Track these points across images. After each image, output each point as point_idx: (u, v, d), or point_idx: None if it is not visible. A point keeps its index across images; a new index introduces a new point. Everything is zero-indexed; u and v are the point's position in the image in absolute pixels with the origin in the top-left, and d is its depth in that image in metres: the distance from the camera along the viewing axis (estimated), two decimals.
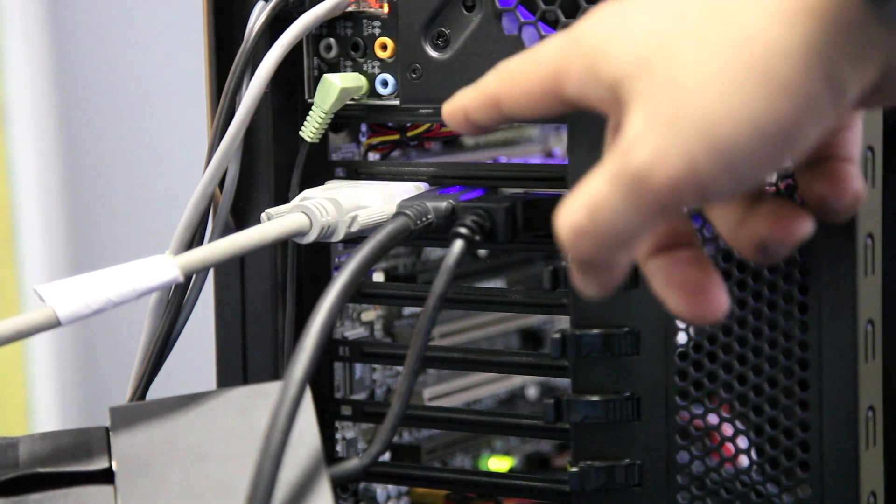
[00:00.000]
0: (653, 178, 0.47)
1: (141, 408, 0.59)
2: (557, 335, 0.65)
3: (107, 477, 0.59)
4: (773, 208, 0.52)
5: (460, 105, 0.57)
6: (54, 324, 0.58)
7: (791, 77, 0.46)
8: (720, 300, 0.52)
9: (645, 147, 0.47)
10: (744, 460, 0.62)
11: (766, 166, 0.47)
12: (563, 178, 0.64)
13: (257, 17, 0.68)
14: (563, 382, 0.71)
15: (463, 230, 0.63)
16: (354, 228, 0.65)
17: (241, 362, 0.72)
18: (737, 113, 0.46)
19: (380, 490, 0.76)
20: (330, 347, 0.72)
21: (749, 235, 0.53)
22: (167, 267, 0.60)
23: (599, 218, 0.48)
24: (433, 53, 0.67)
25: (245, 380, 0.71)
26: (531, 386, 0.87)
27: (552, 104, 0.53)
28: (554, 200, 0.62)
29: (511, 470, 0.84)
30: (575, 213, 0.49)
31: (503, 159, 0.81)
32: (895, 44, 0.47)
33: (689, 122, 0.46)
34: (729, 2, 0.47)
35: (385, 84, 0.69)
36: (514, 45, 0.65)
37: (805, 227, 0.52)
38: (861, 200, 0.53)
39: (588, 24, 0.51)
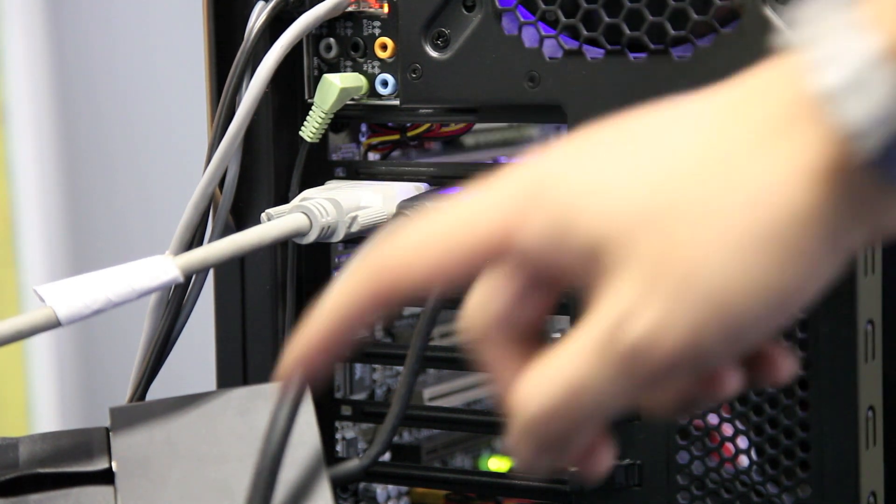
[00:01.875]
0: (653, 351, 0.43)
1: (141, 408, 0.59)
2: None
3: (107, 477, 0.59)
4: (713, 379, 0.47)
5: (309, 339, 0.47)
6: (54, 324, 0.58)
7: (803, 244, 0.43)
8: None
9: (644, 317, 0.43)
10: (744, 460, 0.62)
11: (767, 332, 0.45)
12: None
13: (257, 17, 0.68)
14: None
15: None
16: (354, 229, 0.65)
17: (241, 362, 0.72)
18: (751, 281, 0.43)
19: (380, 490, 0.76)
20: None
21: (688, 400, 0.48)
22: (167, 267, 0.60)
23: (580, 396, 0.44)
24: (433, 53, 0.67)
25: (245, 380, 0.71)
26: None
27: (481, 269, 0.46)
28: None
29: (511, 470, 0.84)
30: (547, 391, 0.44)
31: (503, 159, 0.81)
32: (890, 206, 0.44)
33: (698, 290, 0.43)
34: (734, 163, 0.44)
35: (385, 84, 0.69)
36: (514, 45, 0.65)
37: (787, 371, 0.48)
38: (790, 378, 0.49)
39: (546, 174, 0.45)
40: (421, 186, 0.69)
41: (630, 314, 0.43)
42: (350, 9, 0.69)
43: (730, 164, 0.44)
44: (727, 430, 0.63)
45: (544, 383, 0.44)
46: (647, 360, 0.43)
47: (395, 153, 0.76)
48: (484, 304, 0.46)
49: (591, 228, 0.44)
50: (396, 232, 0.46)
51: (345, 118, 0.70)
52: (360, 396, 0.75)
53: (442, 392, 0.79)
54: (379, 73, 0.69)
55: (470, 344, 0.46)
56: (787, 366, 0.48)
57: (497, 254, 0.45)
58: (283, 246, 0.70)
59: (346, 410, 0.73)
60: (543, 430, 0.45)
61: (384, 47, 0.69)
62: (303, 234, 0.65)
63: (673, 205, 0.44)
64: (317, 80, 0.69)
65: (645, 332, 0.43)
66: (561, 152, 0.46)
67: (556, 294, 0.47)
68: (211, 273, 0.70)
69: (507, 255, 0.45)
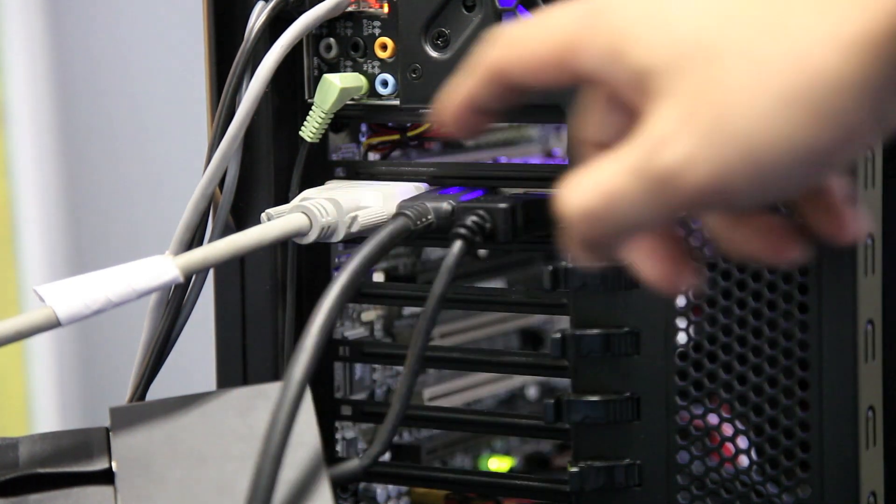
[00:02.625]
0: (681, 181, 0.46)
1: (141, 408, 0.59)
2: (557, 335, 0.65)
3: (107, 477, 0.59)
4: (770, 227, 0.51)
5: (463, 93, 0.53)
6: (54, 324, 0.58)
7: (841, 110, 0.45)
8: (692, 273, 0.51)
9: (677, 148, 0.46)
10: (744, 460, 0.62)
11: (796, 186, 0.47)
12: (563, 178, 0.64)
13: (257, 17, 0.68)
14: (563, 382, 0.71)
15: (463, 231, 0.63)
16: (354, 229, 0.65)
17: (241, 362, 0.72)
18: (780, 135, 0.45)
19: (380, 490, 0.76)
20: (330, 347, 0.72)
21: (738, 245, 0.51)
22: (167, 267, 0.60)
23: (614, 207, 0.48)
24: (433, 53, 0.67)
25: (245, 380, 0.71)
26: (531, 386, 0.87)
27: (561, 75, 0.51)
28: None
29: (511, 470, 0.84)
30: (586, 196, 0.48)
31: (503, 159, 0.81)
32: None
33: (729, 133, 0.45)
34: (784, 18, 0.46)
35: (385, 84, 0.69)
36: None
37: (797, 254, 0.51)
38: (860, 239, 0.52)
39: (611, 1, 0.49)
40: (421, 186, 0.69)
41: (665, 142, 0.46)
42: (350, 9, 0.69)
43: (781, 15, 0.46)
44: (727, 430, 0.63)
45: (585, 190, 0.48)
46: (675, 187, 0.46)
47: (395, 153, 0.76)
48: (581, 121, 0.52)
49: (640, 55, 0.47)
50: (498, 33, 0.52)
51: (345, 118, 0.70)
52: (360, 396, 0.75)
53: (442, 392, 0.79)
54: (379, 73, 0.69)
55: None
56: (854, 226, 0.50)
57: (565, 67, 0.50)
58: (283, 246, 0.70)
59: (346, 410, 0.73)
60: (583, 231, 0.48)
61: (384, 47, 0.69)
62: (303, 234, 0.65)
63: (718, 43, 0.46)
64: (317, 80, 0.69)
65: (674, 161, 0.46)
66: None
67: (628, 115, 0.50)
68: (211, 273, 0.70)
69: (574, 71, 0.50)
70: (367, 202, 0.67)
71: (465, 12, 0.66)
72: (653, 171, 0.47)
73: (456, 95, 0.53)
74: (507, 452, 0.85)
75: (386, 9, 0.69)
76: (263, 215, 0.66)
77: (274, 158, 0.70)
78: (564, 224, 0.49)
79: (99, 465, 0.59)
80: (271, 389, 0.58)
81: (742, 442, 0.62)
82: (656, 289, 0.51)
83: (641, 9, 0.48)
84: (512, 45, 0.52)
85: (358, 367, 0.75)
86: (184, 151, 1.31)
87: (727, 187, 0.46)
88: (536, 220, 0.65)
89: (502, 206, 0.64)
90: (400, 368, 0.76)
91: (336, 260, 0.72)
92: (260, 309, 0.71)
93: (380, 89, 0.69)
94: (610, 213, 0.48)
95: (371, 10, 0.69)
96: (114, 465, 0.58)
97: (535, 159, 0.84)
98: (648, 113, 0.47)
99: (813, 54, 0.45)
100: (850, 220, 0.50)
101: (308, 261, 0.71)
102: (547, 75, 0.51)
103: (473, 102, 0.53)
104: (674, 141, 0.46)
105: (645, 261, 0.52)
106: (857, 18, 0.45)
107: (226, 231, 0.69)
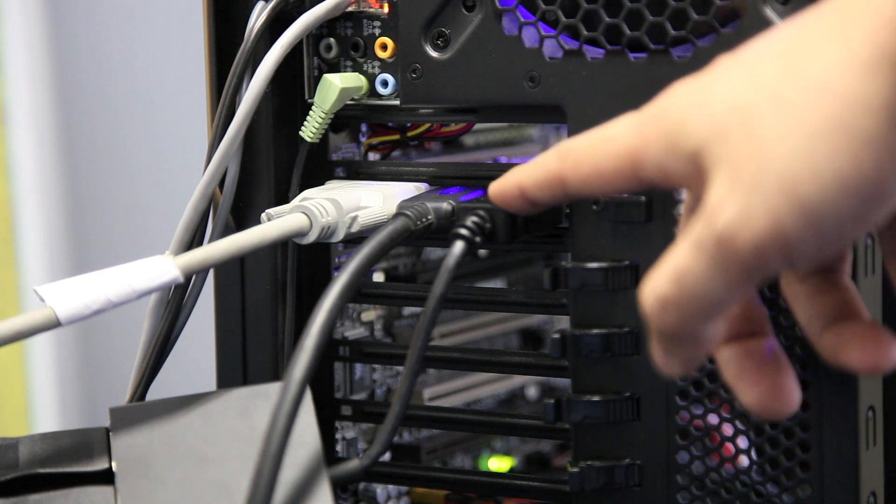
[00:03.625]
0: (737, 240, 0.46)
1: (141, 408, 0.59)
2: (557, 335, 0.65)
3: (107, 477, 0.59)
4: (860, 336, 0.51)
5: (516, 182, 0.56)
6: (54, 324, 0.58)
7: (873, 130, 0.44)
8: (792, 395, 0.51)
9: (728, 209, 0.46)
10: (744, 460, 0.62)
11: (851, 224, 0.46)
12: None
13: (257, 17, 0.68)
14: (563, 382, 0.71)
15: (463, 231, 0.63)
16: (354, 229, 0.65)
17: (241, 362, 0.72)
18: (820, 168, 0.45)
19: (380, 490, 0.76)
20: (330, 347, 0.72)
21: (832, 354, 0.51)
22: (167, 267, 0.60)
23: (685, 287, 0.47)
24: (433, 53, 0.67)
25: (245, 380, 0.71)
26: (531, 386, 0.87)
27: (626, 183, 0.52)
28: None
29: (511, 470, 0.84)
30: (660, 283, 0.48)
31: (503, 159, 0.81)
32: None
33: (771, 179, 0.45)
34: (804, 56, 0.46)
35: (385, 84, 0.69)
36: (515, 45, 0.65)
37: (893, 355, 0.50)
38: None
39: (663, 101, 0.50)
40: (421, 186, 0.69)
41: (718, 208, 0.46)
42: (350, 9, 0.69)
43: (801, 52, 0.46)
44: (727, 430, 0.63)
45: (657, 277, 0.49)
46: (735, 248, 0.46)
47: (395, 153, 0.76)
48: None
49: (689, 141, 0.48)
50: (569, 141, 0.54)
51: (345, 118, 0.70)
52: (360, 396, 0.75)
53: (442, 392, 0.79)
54: (379, 73, 0.69)
55: None
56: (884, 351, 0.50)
57: (631, 178, 0.51)
58: (283, 246, 0.70)
59: (346, 410, 0.73)
60: (661, 320, 0.48)
61: (384, 47, 0.69)
62: (303, 234, 0.65)
63: (750, 100, 0.47)
64: (317, 80, 0.69)
65: (729, 221, 0.46)
66: (670, 90, 0.50)
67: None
68: (211, 273, 0.70)
69: (640, 179, 0.51)
70: (367, 202, 0.67)
71: (465, 12, 0.66)
72: (711, 239, 0.46)
73: (511, 182, 0.56)
74: (507, 452, 0.85)
75: (386, 9, 0.69)
76: (263, 215, 0.66)
77: (274, 158, 0.70)
78: (648, 322, 0.49)
79: (99, 465, 0.59)
80: (271, 389, 0.58)
81: (742, 442, 0.62)
82: (756, 414, 0.51)
83: (688, 98, 0.49)
84: (571, 159, 0.53)
85: (358, 367, 0.75)
86: (184, 151, 1.31)
87: (783, 236, 0.45)
88: (536, 220, 0.65)
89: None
90: (400, 368, 0.76)
91: (336, 260, 0.72)
92: (260, 309, 0.71)
93: (380, 89, 0.69)
94: (682, 294, 0.48)
95: (371, 10, 0.69)
96: (114, 465, 0.58)
97: None
98: (706, 191, 0.47)
99: (836, 81, 0.45)
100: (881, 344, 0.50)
101: (308, 261, 0.71)
102: (608, 184, 0.52)
103: (526, 195, 0.56)
104: (726, 204, 0.46)
105: (737, 382, 0.52)
106: (870, 38, 0.45)
107: (226, 231, 0.69)
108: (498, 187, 0.58)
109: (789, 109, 0.46)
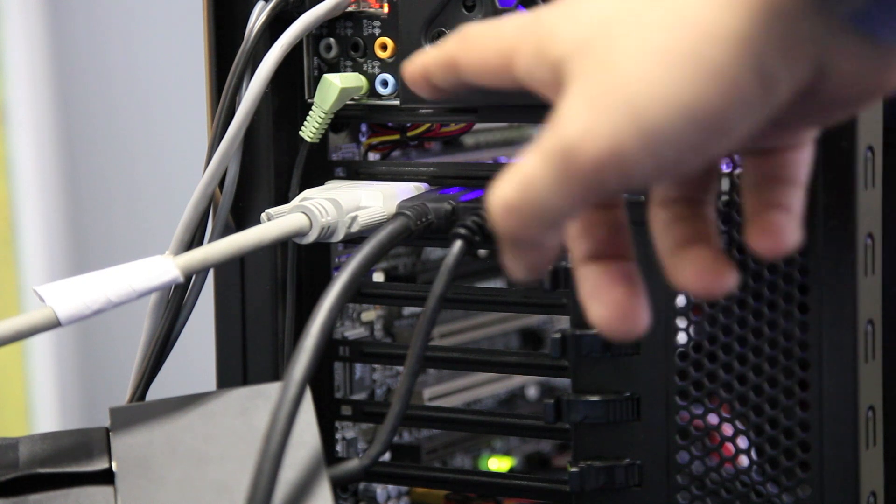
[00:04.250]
0: (579, 154, 0.46)
1: (141, 408, 0.59)
2: (557, 335, 0.65)
3: (107, 477, 0.59)
4: (701, 257, 0.51)
5: (421, 64, 0.56)
6: (54, 324, 0.58)
7: (721, 62, 0.45)
8: (638, 317, 0.51)
9: (574, 123, 0.47)
10: (744, 460, 0.62)
11: (690, 152, 0.46)
12: None
13: (257, 17, 0.68)
14: (563, 382, 0.71)
15: (463, 231, 0.63)
16: (354, 229, 0.65)
17: (241, 362, 0.72)
18: (664, 94, 0.45)
19: (380, 490, 0.76)
20: (330, 347, 0.72)
21: (674, 275, 0.51)
22: (167, 267, 0.60)
23: (527, 193, 0.48)
24: None
25: (245, 380, 0.71)
26: (531, 386, 0.87)
27: (503, 79, 0.52)
28: None
29: (511, 470, 0.84)
30: (506, 188, 0.48)
31: (503, 159, 0.81)
32: (830, 42, 0.46)
33: (618, 100, 0.46)
34: None
35: (385, 84, 0.69)
36: None
37: (727, 283, 0.50)
38: (791, 250, 0.51)
39: (548, 7, 0.51)
40: (421, 186, 0.69)
41: (567, 119, 0.47)
42: (350, 9, 0.69)
43: None
44: (727, 430, 0.63)
45: (504, 182, 0.48)
46: (576, 161, 0.46)
47: (395, 153, 0.76)
48: None
49: (557, 45, 0.49)
50: (462, 29, 0.54)
51: (345, 118, 0.70)
52: (360, 396, 0.75)
53: (442, 392, 0.79)
54: (379, 73, 0.69)
55: None
56: (784, 235, 0.50)
57: (506, 72, 0.51)
58: (283, 246, 0.70)
59: (346, 410, 0.73)
60: (504, 225, 0.49)
61: (384, 47, 0.69)
62: (303, 234, 0.65)
63: (614, 18, 0.47)
64: (317, 80, 0.69)
65: (573, 134, 0.46)
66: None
67: None
68: (211, 273, 0.70)
69: (512, 76, 0.51)
70: (367, 202, 0.67)
71: (465, 12, 0.66)
72: (556, 149, 0.47)
73: (417, 64, 0.56)
74: (507, 452, 0.85)
75: (386, 9, 0.69)
76: (263, 215, 0.66)
77: (274, 158, 0.70)
78: (494, 226, 0.49)
79: (99, 465, 0.59)
80: (271, 389, 0.58)
81: (742, 442, 0.62)
82: (606, 333, 0.51)
83: (564, 9, 0.50)
84: (466, 44, 0.54)
85: (358, 367, 0.75)
86: (184, 151, 1.31)
87: (622, 156, 0.46)
88: None
89: None
90: (400, 368, 0.76)
91: (336, 260, 0.72)
92: (260, 309, 0.71)
93: (380, 89, 0.69)
94: (524, 200, 0.48)
95: (371, 10, 0.69)
96: (114, 465, 0.58)
97: None
98: (561, 101, 0.48)
99: (693, 10, 0.46)
100: (780, 228, 0.50)
101: (308, 261, 0.71)
102: (491, 77, 0.53)
103: (428, 77, 0.56)
104: (574, 117, 0.47)
105: (588, 299, 0.51)
106: None
107: (226, 231, 0.69)
108: (409, 69, 0.57)
109: (647, 33, 0.46)
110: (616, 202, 0.53)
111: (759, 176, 0.52)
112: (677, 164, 0.47)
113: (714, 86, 0.45)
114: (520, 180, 0.48)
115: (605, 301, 0.51)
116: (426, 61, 0.56)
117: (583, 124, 0.46)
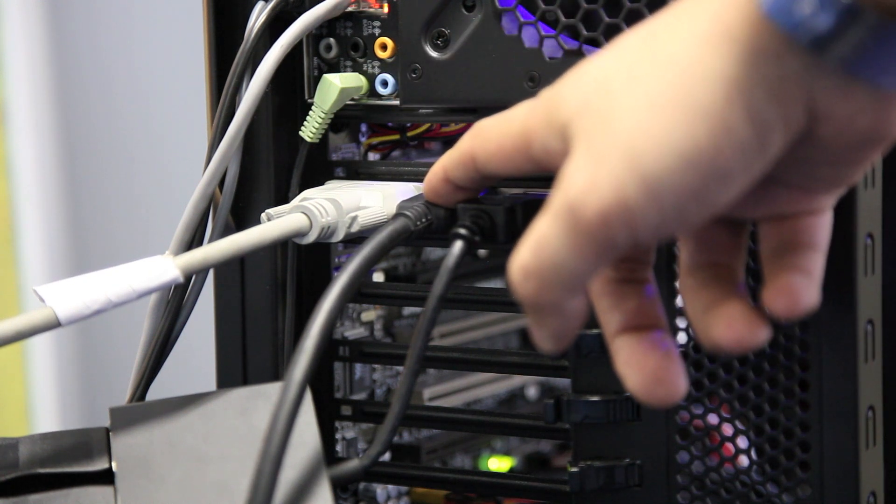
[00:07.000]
0: (585, 209, 0.47)
1: (141, 408, 0.59)
2: None
3: (107, 477, 0.59)
4: (732, 312, 0.51)
5: (440, 168, 0.58)
6: (54, 324, 0.58)
7: (711, 104, 0.45)
8: (676, 386, 0.51)
9: (579, 179, 0.47)
10: (744, 460, 0.62)
11: (692, 199, 0.46)
12: None
13: (257, 17, 0.68)
14: (563, 382, 0.71)
15: (463, 231, 0.63)
16: (354, 229, 0.65)
17: (241, 362, 0.72)
18: (660, 140, 0.46)
19: (380, 490, 0.76)
20: (330, 347, 0.72)
21: (706, 333, 0.51)
22: (167, 267, 0.60)
23: (542, 255, 0.48)
24: (433, 53, 0.67)
25: (245, 380, 0.71)
26: (531, 386, 0.87)
27: (522, 162, 0.53)
28: None
29: (511, 470, 0.84)
30: (522, 253, 0.49)
31: None
32: (821, 85, 0.46)
33: (618, 152, 0.46)
34: (660, 35, 0.48)
35: (385, 84, 0.69)
36: (514, 45, 0.65)
37: (760, 336, 0.50)
38: (808, 313, 0.51)
39: (554, 85, 0.52)
40: (421, 186, 0.69)
41: (571, 176, 0.47)
42: (350, 9, 0.69)
43: (658, 34, 0.48)
44: (727, 430, 0.63)
45: (521, 247, 0.49)
46: (583, 217, 0.47)
47: (395, 153, 0.76)
48: None
49: (564, 111, 0.50)
50: (483, 120, 0.56)
51: (345, 118, 0.70)
52: (360, 396, 0.75)
53: (442, 392, 0.79)
54: (379, 73, 0.69)
55: None
56: (801, 297, 0.50)
57: (525, 155, 0.53)
58: (283, 246, 0.70)
59: (346, 410, 0.73)
60: (523, 290, 0.49)
61: (384, 47, 0.69)
62: (303, 234, 0.65)
63: (611, 76, 0.48)
64: (317, 80, 0.69)
65: (578, 191, 0.47)
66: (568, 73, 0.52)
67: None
68: (211, 273, 0.70)
69: (532, 158, 0.52)
70: (367, 202, 0.67)
71: (465, 12, 0.66)
72: (563, 207, 0.47)
73: (436, 170, 0.58)
74: (507, 452, 0.85)
75: (386, 9, 0.69)
76: (263, 215, 0.66)
77: (274, 158, 0.70)
78: (515, 294, 0.49)
79: (99, 465, 0.59)
80: (271, 389, 0.58)
81: (742, 442, 0.62)
82: (644, 400, 0.51)
83: (567, 78, 0.51)
84: (480, 136, 0.55)
85: (358, 367, 0.75)
86: (184, 151, 1.31)
87: (627, 207, 0.46)
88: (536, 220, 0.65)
89: (502, 206, 0.64)
90: (400, 368, 0.76)
91: (336, 260, 0.72)
92: (260, 309, 0.71)
93: (380, 89, 0.69)
94: (539, 262, 0.48)
95: (371, 10, 0.69)
96: (114, 465, 0.58)
97: None
98: (567, 161, 0.49)
99: (679, 55, 0.46)
100: (798, 290, 0.50)
101: (308, 261, 0.71)
102: (510, 163, 0.54)
103: (449, 179, 0.58)
104: (577, 173, 0.47)
105: (624, 369, 0.52)
106: (716, 14, 0.46)
107: (226, 231, 0.69)
108: (427, 179, 0.59)
109: (642, 84, 0.47)
110: (643, 275, 0.53)
111: (778, 241, 0.52)
112: (681, 213, 0.47)
113: (706, 128, 0.46)
114: (533, 243, 0.48)
115: (641, 370, 0.52)
116: (444, 164, 0.58)
117: (586, 179, 0.47)
